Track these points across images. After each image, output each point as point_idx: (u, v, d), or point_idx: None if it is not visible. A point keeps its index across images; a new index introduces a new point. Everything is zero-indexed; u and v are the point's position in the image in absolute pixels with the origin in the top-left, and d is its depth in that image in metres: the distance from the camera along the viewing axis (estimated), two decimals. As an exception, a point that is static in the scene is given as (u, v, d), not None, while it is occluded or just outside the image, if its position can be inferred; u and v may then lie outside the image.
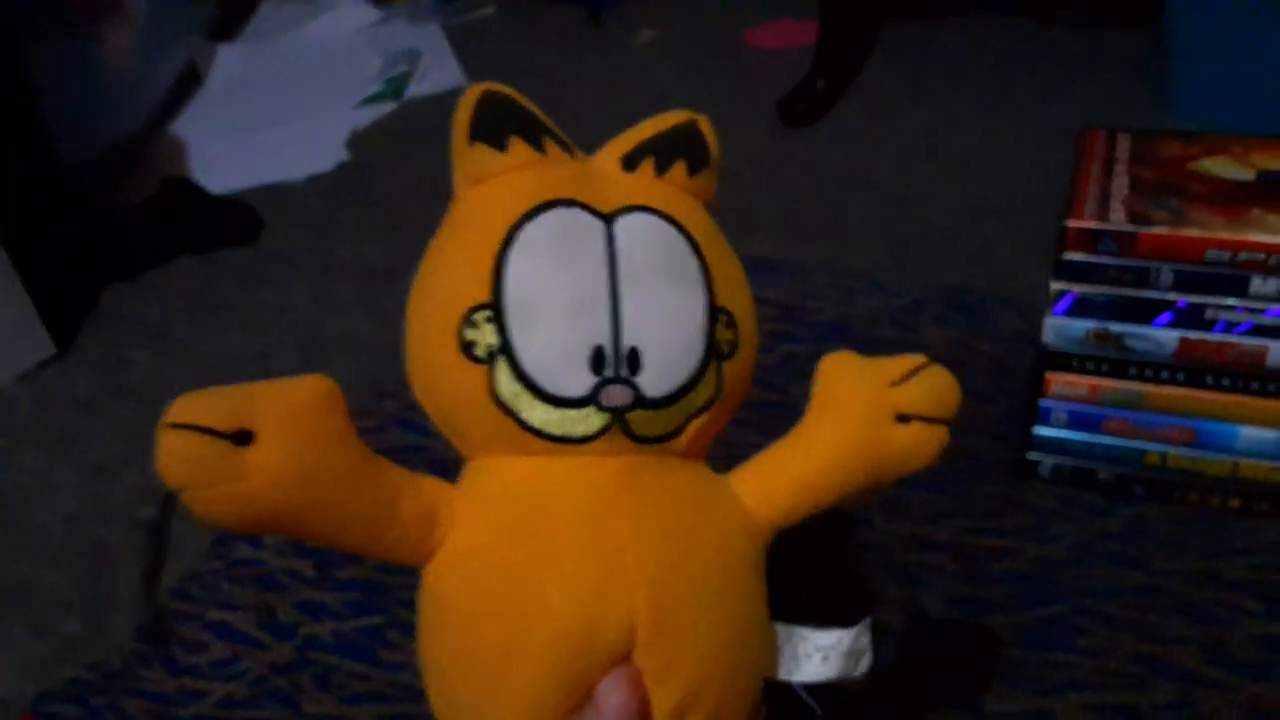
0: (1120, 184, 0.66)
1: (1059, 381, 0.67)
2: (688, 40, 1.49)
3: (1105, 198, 0.65)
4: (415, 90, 1.37)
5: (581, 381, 0.37)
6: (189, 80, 1.43)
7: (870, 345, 0.83)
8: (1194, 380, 0.64)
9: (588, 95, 1.33)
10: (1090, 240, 0.63)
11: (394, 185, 1.19)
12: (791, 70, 1.31)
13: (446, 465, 0.41)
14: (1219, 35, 1.13)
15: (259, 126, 1.33)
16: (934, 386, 0.42)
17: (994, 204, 1.05)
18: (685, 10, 1.60)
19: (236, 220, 1.12)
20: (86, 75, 1.17)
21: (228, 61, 1.49)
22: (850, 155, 1.19)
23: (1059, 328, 0.65)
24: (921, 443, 0.41)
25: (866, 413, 0.41)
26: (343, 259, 1.07)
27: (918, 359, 0.43)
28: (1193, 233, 0.61)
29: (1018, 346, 0.79)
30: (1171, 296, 0.63)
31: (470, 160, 0.41)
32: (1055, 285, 0.65)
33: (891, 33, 1.43)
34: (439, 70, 1.41)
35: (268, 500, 0.35)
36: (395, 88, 1.38)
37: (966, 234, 1.01)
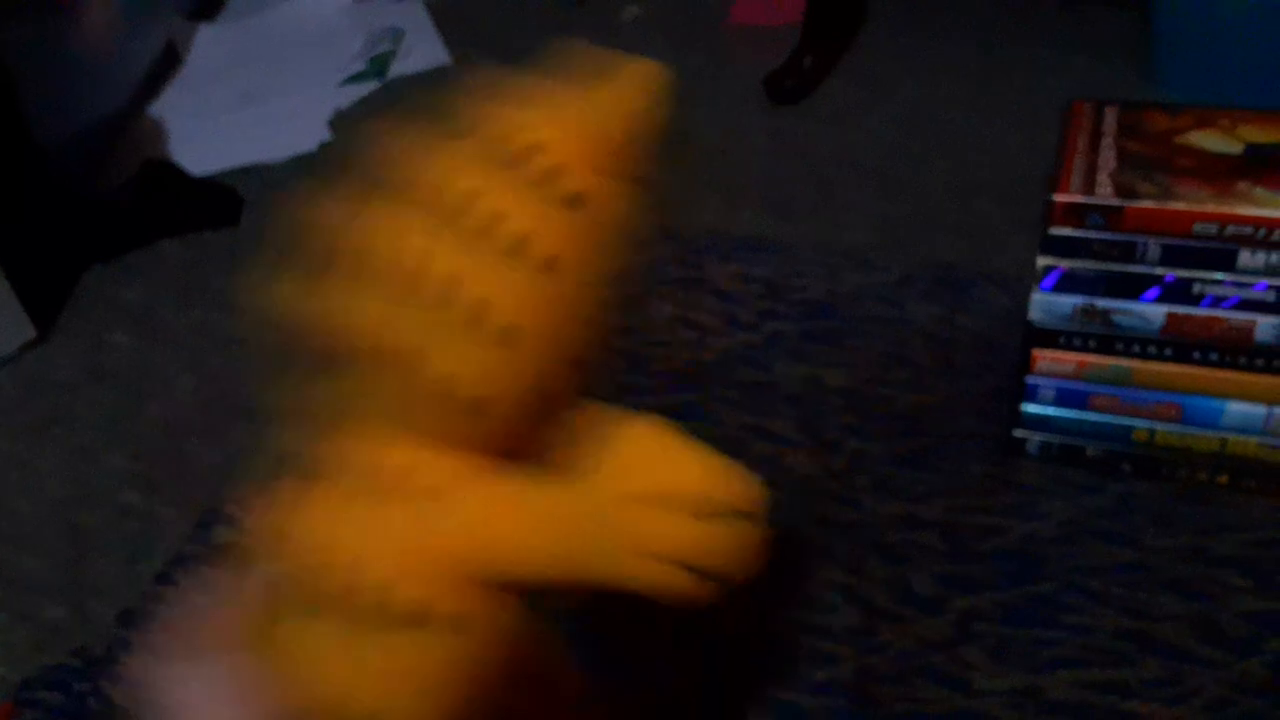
0: (1107, 157, 0.66)
1: (1046, 358, 0.66)
2: (673, 17, 1.47)
3: (1092, 171, 0.64)
4: (398, 69, 1.35)
5: None
6: (168, 60, 1.40)
7: (857, 323, 0.83)
8: (1181, 356, 0.64)
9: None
10: (1077, 214, 0.63)
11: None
12: (777, 47, 1.29)
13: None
14: (1204, 10, 1.12)
15: (240, 106, 1.31)
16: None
17: (981, 180, 1.05)
18: (671, -14, 1.58)
19: (217, 202, 1.10)
20: (64, 56, 1.15)
21: (207, 41, 1.46)
22: (838, 132, 1.18)
23: (1046, 303, 0.65)
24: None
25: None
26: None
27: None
28: (1180, 206, 0.61)
29: (1005, 324, 0.79)
30: (1159, 271, 0.62)
31: None
32: (1042, 260, 0.64)
33: (879, 8, 1.42)
34: (422, 49, 1.39)
35: None
36: (378, 67, 1.36)
37: (954, 211, 1.00)
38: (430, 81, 1.33)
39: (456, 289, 0.35)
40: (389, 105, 1.29)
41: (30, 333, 0.94)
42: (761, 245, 0.93)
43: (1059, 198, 0.63)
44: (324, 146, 1.21)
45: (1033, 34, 1.36)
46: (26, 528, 0.75)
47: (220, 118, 1.28)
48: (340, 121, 1.25)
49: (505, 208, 0.36)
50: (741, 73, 1.28)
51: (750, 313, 0.83)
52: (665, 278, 0.88)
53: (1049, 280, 0.65)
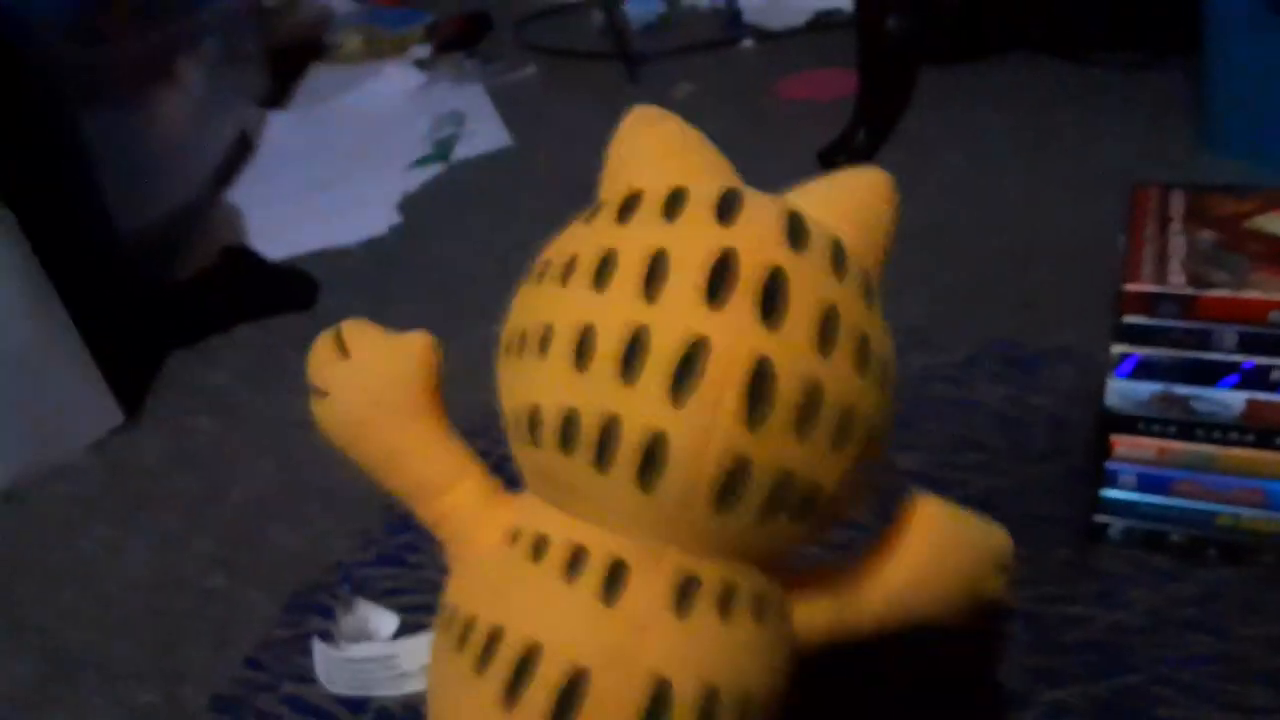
0: (1177, 243, 0.66)
1: (1125, 444, 0.66)
2: (725, 94, 1.51)
3: (1163, 259, 0.65)
4: (462, 152, 1.40)
5: None
6: (242, 148, 1.47)
7: (925, 405, 0.83)
8: (1263, 441, 0.64)
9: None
10: (1150, 303, 0.63)
11: (445, 247, 1.21)
12: (829, 120, 1.32)
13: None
14: (1256, 73, 1.13)
15: (311, 192, 1.37)
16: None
17: (1040, 250, 1.05)
18: (721, 64, 1.62)
19: (293, 287, 1.14)
20: (143, 146, 1.21)
21: (278, 129, 1.53)
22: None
23: (1123, 391, 0.65)
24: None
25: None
26: (398, 322, 1.09)
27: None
28: (1255, 295, 0.61)
29: (1077, 403, 0.79)
30: (1236, 359, 0.63)
31: None
32: (1116, 348, 0.65)
33: (929, 77, 1.44)
34: (484, 131, 1.44)
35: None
36: (443, 150, 1.41)
37: (1014, 281, 1.01)
38: (493, 163, 1.38)
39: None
40: (454, 188, 1.34)
41: (118, 417, 0.98)
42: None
43: (1131, 287, 0.63)
44: (393, 229, 1.25)
45: (1084, 98, 1.37)
46: (117, 612, 0.77)
47: (293, 204, 1.34)
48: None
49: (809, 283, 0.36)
50: (794, 147, 1.30)
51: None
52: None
53: (1124, 367, 0.65)
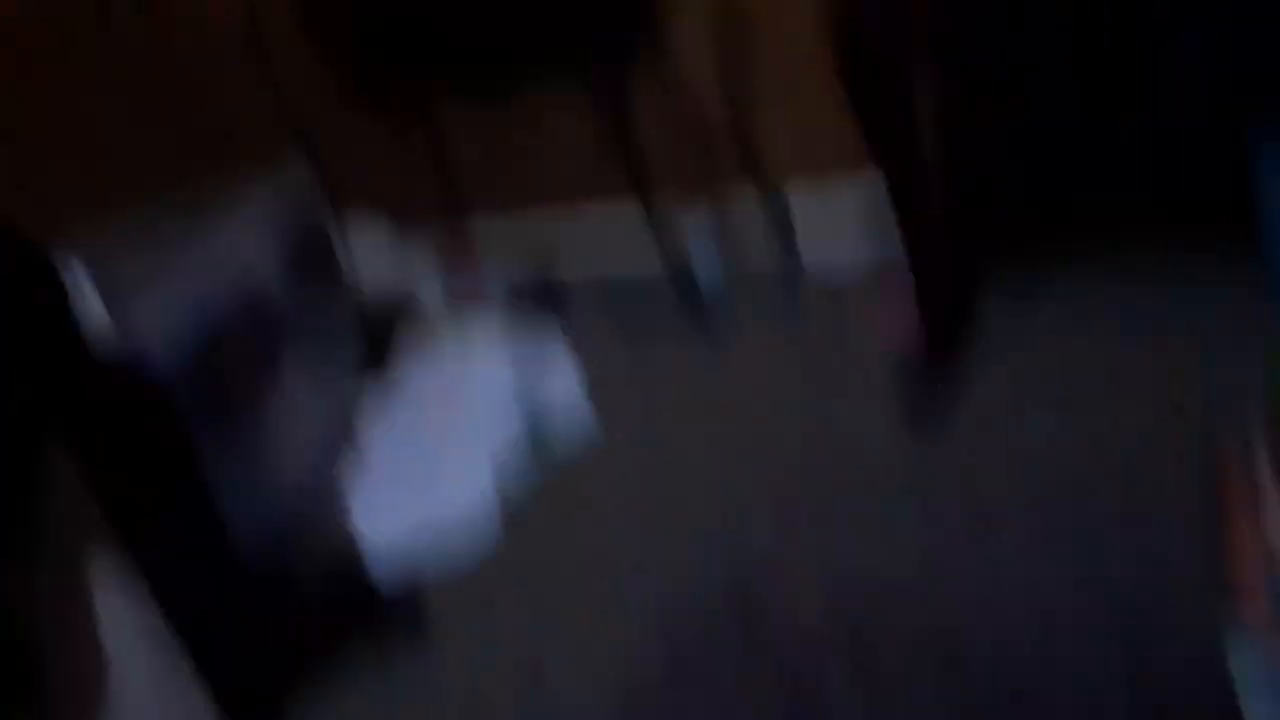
0: (1274, 518, 0.63)
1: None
2: (809, 350, 1.46)
3: (1264, 541, 0.62)
4: (553, 447, 1.44)
5: None
6: (344, 436, 1.54)
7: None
8: None
9: (713, 420, 1.34)
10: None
11: (546, 555, 1.22)
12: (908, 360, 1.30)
13: None
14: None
15: (410, 475, 1.43)
16: None
17: (1148, 496, 0.99)
18: (796, 313, 1.61)
19: (405, 614, 1.18)
20: (254, 457, 1.30)
21: (378, 417, 1.59)
22: (986, 446, 1.15)
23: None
24: None
25: None
26: (507, 641, 1.10)
27: None
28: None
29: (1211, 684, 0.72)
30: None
31: None
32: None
33: (995, 303, 1.40)
34: (572, 424, 1.47)
35: None
36: (535, 444, 1.45)
37: (1125, 534, 0.95)
38: (586, 458, 1.39)
39: None
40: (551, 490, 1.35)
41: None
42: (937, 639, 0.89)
43: (1245, 609, 0.60)
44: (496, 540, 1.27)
45: (1155, 298, 1.28)
46: None
47: (396, 490, 1.40)
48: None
49: None
50: (879, 399, 1.27)
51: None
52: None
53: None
